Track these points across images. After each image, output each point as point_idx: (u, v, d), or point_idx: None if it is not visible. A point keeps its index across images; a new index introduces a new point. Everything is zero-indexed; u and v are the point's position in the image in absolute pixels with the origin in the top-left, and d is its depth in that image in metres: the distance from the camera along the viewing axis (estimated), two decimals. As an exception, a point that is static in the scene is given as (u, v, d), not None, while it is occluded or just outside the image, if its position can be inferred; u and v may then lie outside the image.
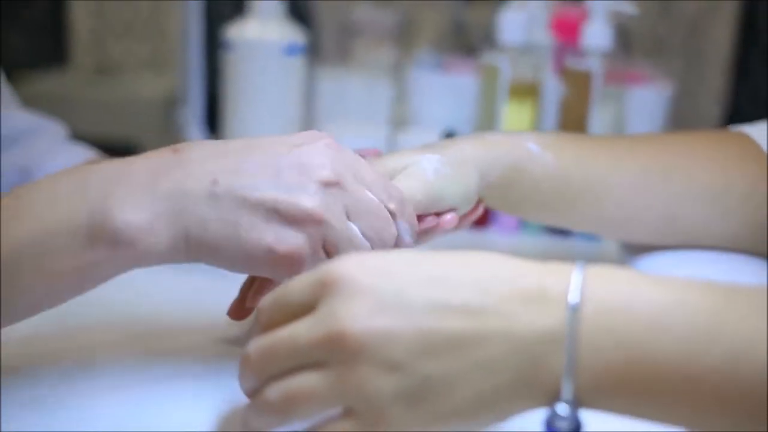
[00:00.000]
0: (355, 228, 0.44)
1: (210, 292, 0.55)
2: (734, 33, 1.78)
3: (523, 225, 0.76)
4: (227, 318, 0.50)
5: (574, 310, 0.34)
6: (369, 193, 0.45)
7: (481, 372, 0.35)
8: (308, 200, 0.43)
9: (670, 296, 0.35)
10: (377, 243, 0.46)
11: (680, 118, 1.43)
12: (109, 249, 0.41)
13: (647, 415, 0.35)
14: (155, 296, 0.57)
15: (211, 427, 0.43)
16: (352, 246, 0.44)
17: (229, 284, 0.51)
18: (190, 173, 0.42)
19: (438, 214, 0.53)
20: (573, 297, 0.34)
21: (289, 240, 0.42)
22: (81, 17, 2.04)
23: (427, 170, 0.52)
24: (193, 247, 0.42)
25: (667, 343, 0.34)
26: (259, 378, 0.37)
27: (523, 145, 0.56)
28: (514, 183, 0.56)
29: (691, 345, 0.33)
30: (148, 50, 2.05)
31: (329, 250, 0.44)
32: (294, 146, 0.45)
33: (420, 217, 0.51)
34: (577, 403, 0.35)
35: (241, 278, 0.51)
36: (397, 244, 0.47)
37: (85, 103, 1.82)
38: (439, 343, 0.35)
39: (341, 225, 0.44)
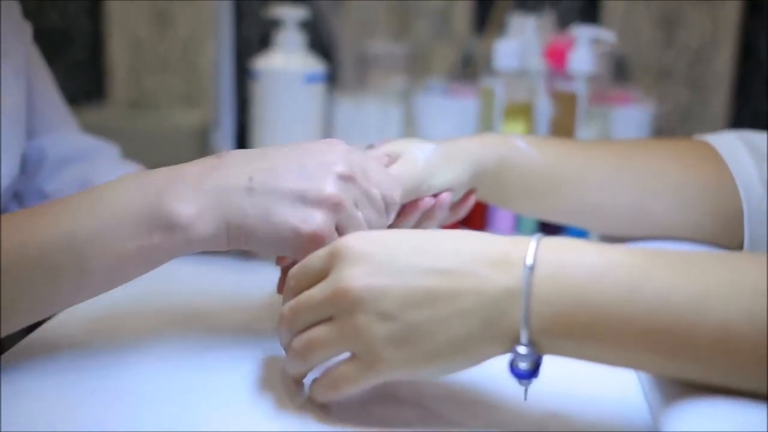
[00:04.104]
0: (360, 215, 0.52)
1: (244, 283, 0.66)
2: (735, 63, 1.84)
3: (517, 226, 0.82)
4: (261, 301, 0.60)
5: (530, 270, 0.42)
6: (373, 189, 0.53)
7: (456, 321, 0.42)
8: (330, 187, 0.50)
9: (604, 258, 0.42)
10: (373, 229, 0.53)
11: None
12: (165, 235, 0.48)
13: (591, 357, 0.41)
14: (197, 287, 0.66)
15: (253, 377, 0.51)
16: (356, 230, 0.51)
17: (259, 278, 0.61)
18: (230, 173, 0.50)
19: (435, 197, 0.59)
20: (529, 260, 0.42)
21: (313, 221, 0.49)
22: (119, 54, 2.11)
23: (418, 158, 0.58)
24: (233, 232, 0.49)
25: (601, 294, 0.40)
26: (290, 332, 0.46)
27: (511, 142, 0.63)
28: (502, 174, 0.62)
29: (619, 295, 0.40)
30: (182, 84, 2.11)
31: (340, 232, 0.51)
32: (315, 149, 0.52)
33: (417, 201, 0.58)
34: (533, 347, 0.42)
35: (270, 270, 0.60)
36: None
37: (123, 134, 1.81)
38: (422, 297, 0.42)
39: (352, 211, 0.51)
